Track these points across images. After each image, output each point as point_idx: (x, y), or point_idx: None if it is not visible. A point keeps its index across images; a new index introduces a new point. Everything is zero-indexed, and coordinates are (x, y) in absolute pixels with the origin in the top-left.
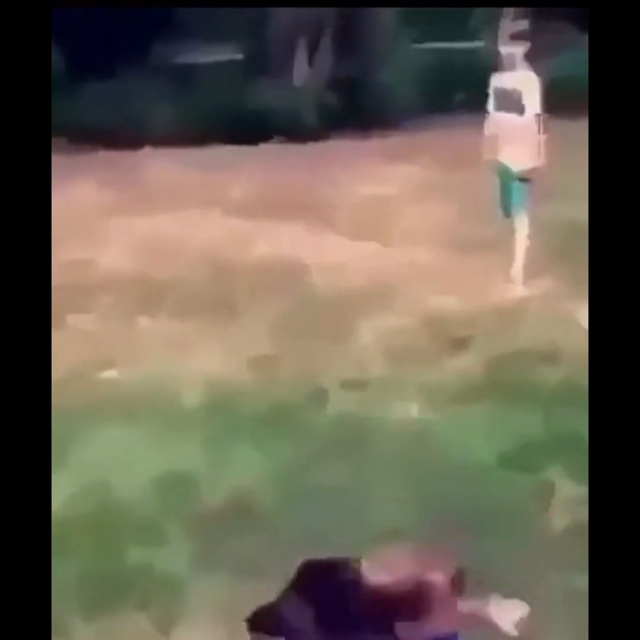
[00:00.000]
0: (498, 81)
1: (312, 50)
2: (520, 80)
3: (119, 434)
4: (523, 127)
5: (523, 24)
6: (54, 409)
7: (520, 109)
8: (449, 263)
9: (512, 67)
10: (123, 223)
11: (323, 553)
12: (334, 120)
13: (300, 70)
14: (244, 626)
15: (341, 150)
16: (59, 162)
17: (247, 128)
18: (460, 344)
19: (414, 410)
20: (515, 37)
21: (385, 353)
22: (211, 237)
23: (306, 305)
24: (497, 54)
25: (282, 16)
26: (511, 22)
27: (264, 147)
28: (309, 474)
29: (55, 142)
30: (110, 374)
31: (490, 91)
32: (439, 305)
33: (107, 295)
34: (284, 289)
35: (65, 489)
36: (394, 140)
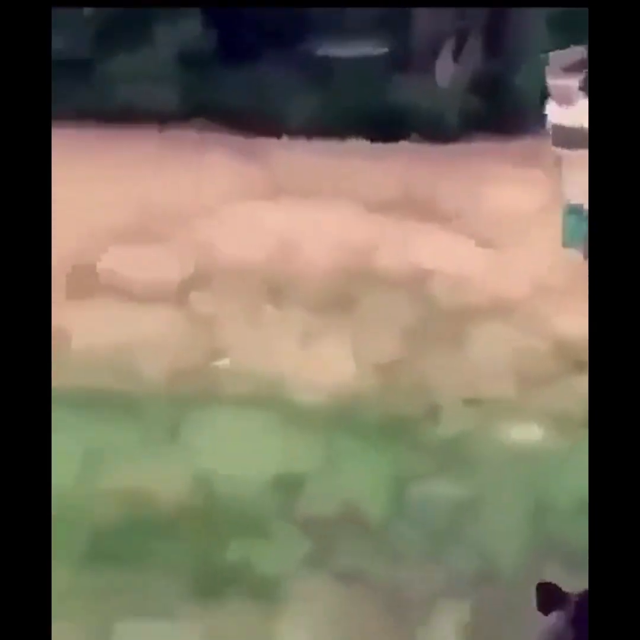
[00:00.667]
0: (556, 116)
1: (458, 50)
2: (580, 114)
3: (234, 425)
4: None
5: (578, 52)
6: (168, 394)
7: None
8: (580, 280)
9: (568, 101)
10: (253, 210)
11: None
12: (475, 122)
13: (444, 69)
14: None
15: (481, 152)
16: (193, 139)
17: (386, 124)
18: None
19: (536, 433)
20: (570, 68)
21: (508, 371)
22: (341, 232)
23: (430, 313)
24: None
25: (428, 14)
26: (563, 49)
27: (403, 145)
28: (421, 488)
29: (194, 121)
30: (224, 363)
31: (549, 126)
32: (567, 326)
33: (230, 281)
34: (410, 294)
35: (177, 476)
36: (534, 144)
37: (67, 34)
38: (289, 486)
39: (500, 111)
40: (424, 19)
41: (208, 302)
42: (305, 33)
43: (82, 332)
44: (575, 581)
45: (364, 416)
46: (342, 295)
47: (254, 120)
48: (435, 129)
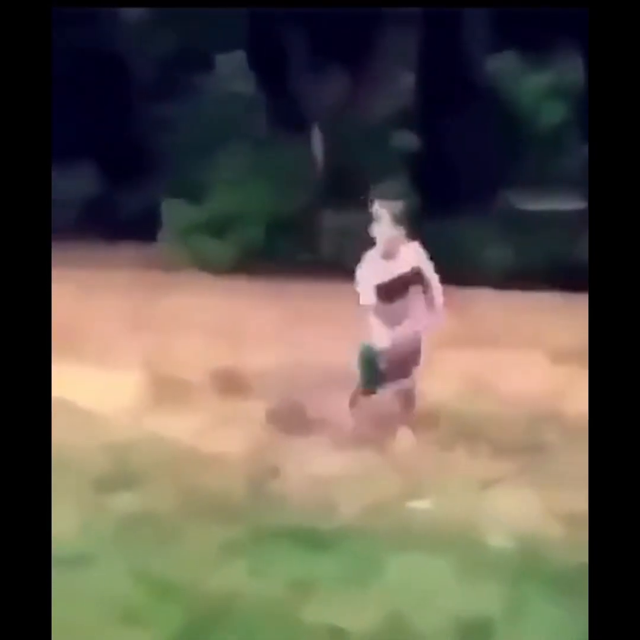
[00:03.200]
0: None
1: None
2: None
3: (422, 565)
4: None
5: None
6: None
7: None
8: None
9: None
10: (450, 354)
11: None
12: None
13: None
14: None
15: None
16: None
17: (578, 277)
18: None
19: None
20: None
21: None
22: (529, 381)
23: None
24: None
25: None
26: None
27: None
28: None
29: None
30: (422, 504)
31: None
32: None
33: (427, 423)
34: None
35: (366, 614)
36: None
37: None
38: (473, 631)
39: None
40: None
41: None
42: (503, 186)
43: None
44: None
45: (551, 564)
46: (532, 442)
47: (452, 272)
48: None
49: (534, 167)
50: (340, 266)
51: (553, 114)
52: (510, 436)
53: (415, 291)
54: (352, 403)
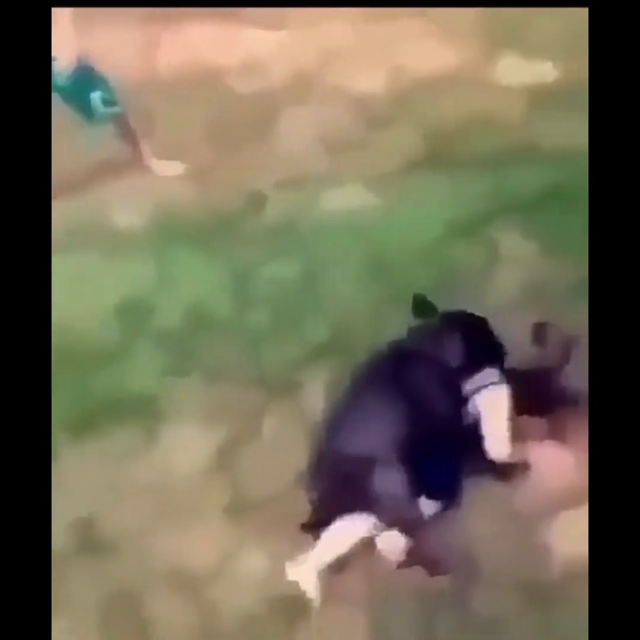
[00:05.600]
0: None
1: None
2: None
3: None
4: None
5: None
6: None
7: None
8: (367, 37)
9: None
10: None
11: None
12: None
13: None
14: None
15: None
16: None
17: None
18: (391, 123)
19: (354, 197)
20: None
21: (315, 145)
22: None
23: (228, 109)
24: None
25: None
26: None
27: None
28: (258, 278)
29: None
30: None
31: None
32: (364, 87)
33: None
34: (203, 95)
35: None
36: None
37: None
38: (136, 308)
39: None
40: None
41: None
42: None
43: None
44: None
45: (188, 222)
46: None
47: None
48: None
49: None
50: None
51: None
52: None
53: None
54: None
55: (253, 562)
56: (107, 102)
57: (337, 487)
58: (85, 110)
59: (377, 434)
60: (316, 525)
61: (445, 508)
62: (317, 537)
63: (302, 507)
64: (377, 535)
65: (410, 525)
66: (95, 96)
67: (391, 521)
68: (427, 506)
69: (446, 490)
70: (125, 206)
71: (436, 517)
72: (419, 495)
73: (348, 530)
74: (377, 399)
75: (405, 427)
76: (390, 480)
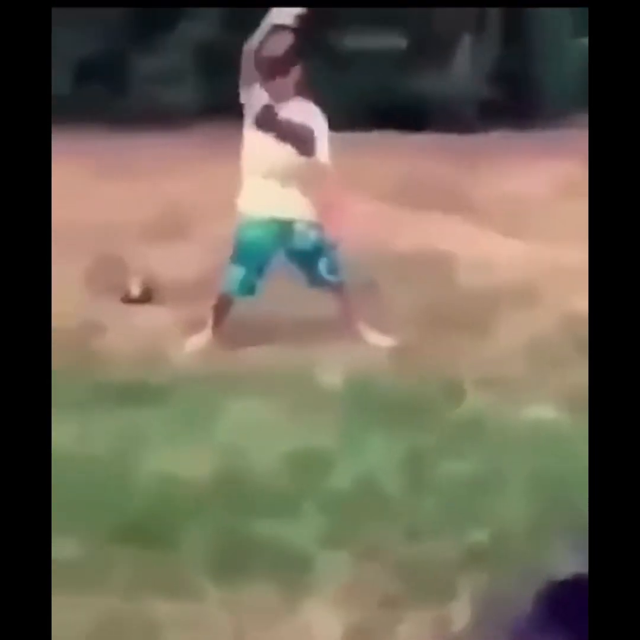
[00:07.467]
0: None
1: (475, 44)
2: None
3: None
4: None
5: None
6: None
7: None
8: None
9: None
10: None
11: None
12: (492, 114)
13: (462, 63)
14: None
15: (497, 143)
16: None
17: (402, 116)
18: None
19: (550, 412)
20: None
21: (525, 352)
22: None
23: (450, 297)
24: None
25: (448, 11)
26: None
27: (418, 137)
28: (435, 466)
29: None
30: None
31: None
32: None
33: None
34: (428, 279)
35: (200, 461)
36: (551, 136)
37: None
38: (310, 463)
39: (518, 104)
40: (443, 10)
41: None
42: (327, 26)
43: None
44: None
45: (382, 396)
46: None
47: None
48: (451, 121)
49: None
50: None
51: None
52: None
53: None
54: None
55: None
56: (332, 270)
57: None
58: (311, 274)
59: None
60: None
61: None
62: None
63: None
64: None
65: None
66: (323, 263)
67: None
68: None
69: None
70: (327, 365)
71: None
72: None
73: None
74: None
75: None
76: None
